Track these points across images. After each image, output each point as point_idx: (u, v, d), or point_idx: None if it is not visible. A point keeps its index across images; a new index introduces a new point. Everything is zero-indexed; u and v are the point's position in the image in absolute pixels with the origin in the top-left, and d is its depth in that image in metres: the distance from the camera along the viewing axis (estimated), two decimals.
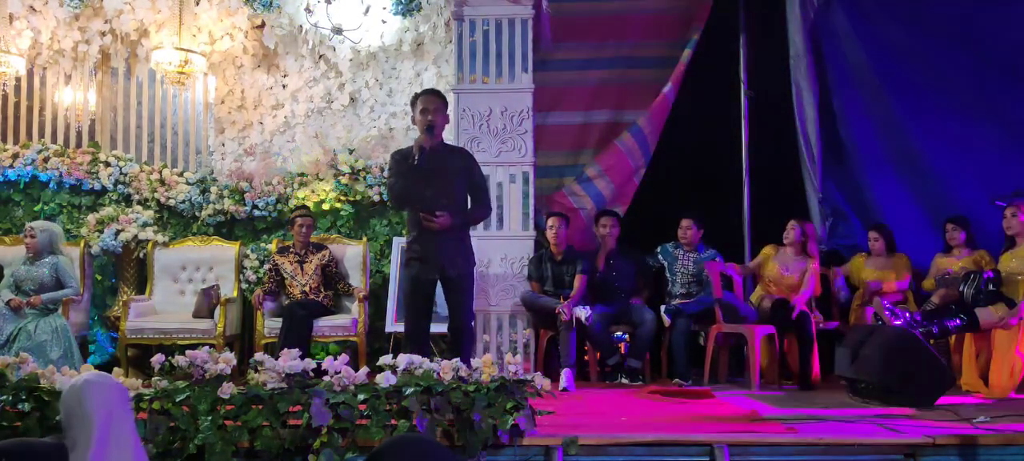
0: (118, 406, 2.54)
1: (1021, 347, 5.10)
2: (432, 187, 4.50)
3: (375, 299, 6.37)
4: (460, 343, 4.56)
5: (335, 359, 3.64)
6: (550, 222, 6.16)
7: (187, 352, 3.62)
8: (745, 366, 6.24)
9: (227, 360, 3.58)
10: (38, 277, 5.83)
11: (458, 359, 3.75)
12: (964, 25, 6.47)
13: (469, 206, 4.70)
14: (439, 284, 4.66)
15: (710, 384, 5.77)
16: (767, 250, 6.23)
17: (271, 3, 6.72)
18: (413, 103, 4.67)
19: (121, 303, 6.24)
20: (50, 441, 2.81)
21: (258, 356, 3.69)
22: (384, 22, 6.75)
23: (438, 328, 4.90)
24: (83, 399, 2.48)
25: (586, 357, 6.20)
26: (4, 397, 3.48)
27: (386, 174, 5.46)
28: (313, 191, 6.65)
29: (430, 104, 4.57)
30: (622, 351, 6.07)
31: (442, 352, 4.99)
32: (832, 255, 6.72)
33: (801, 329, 5.72)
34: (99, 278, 6.73)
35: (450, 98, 6.33)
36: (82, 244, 6.42)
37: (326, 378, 3.58)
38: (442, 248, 4.52)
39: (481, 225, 5.87)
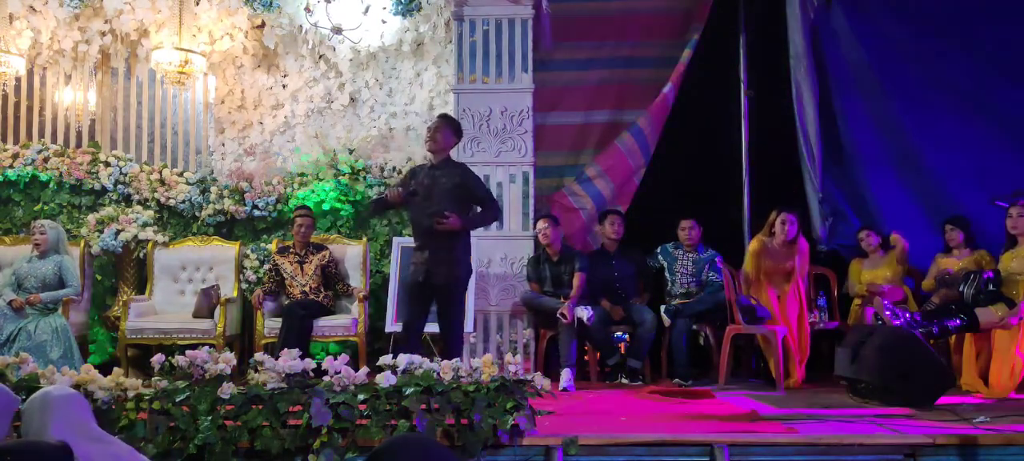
0: (79, 420, 2.55)
1: (1021, 347, 5.09)
2: (427, 201, 4.68)
3: (375, 299, 6.36)
4: (447, 348, 4.69)
5: (335, 359, 3.65)
6: (539, 226, 6.12)
7: (187, 352, 3.63)
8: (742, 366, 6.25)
9: (227, 360, 3.59)
10: (42, 274, 5.83)
11: (458, 359, 3.77)
12: (964, 25, 6.48)
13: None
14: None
15: (725, 386, 5.59)
16: (753, 246, 5.98)
17: (271, 3, 6.71)
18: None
19: (121, 303, 6.24)
20: (53, 442, 2.81)
21: (258, 356, 3.70)
22: (384, 22, 6.75)
23: (432, 328, 4.98)
24: (45, 412, 2.49)
25: (586, 357, 6.20)
26: None
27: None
28: (313, 191, 6.65)
29: (439, 132, 4.80)
30: (622, 351, 6.07)
31: (442, 351, 5.01)
32: (832, 255, 6.71)
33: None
34: (99, 278, 6.72)
35: (450, 98, 6.38)
36: (82, 244, 6.42)
37: (326, 378, 3.58)
38: (431, 256, 4.68)
39: None
